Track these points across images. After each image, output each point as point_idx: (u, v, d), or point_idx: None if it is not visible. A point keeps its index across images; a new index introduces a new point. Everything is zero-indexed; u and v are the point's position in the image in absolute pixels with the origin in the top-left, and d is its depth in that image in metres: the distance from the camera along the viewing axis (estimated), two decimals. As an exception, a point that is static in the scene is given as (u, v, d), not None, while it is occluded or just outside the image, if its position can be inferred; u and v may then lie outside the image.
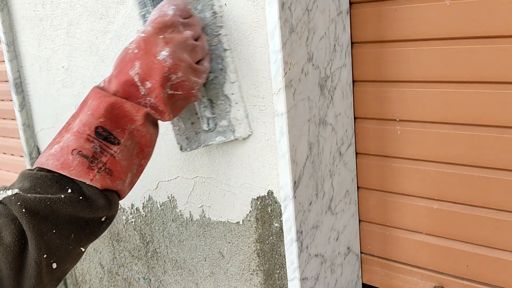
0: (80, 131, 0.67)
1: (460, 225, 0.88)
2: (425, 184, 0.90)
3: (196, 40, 0.77)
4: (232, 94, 0.84)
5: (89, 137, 0.66)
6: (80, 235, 0.66)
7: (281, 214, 0.86)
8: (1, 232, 0.61)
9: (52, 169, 0.65)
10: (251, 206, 0.90)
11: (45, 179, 0.65)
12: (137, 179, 0.75)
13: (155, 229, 1.10)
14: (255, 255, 0.93)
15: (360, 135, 0.96)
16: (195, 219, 1.01)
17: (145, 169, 0.76)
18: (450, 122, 0.85)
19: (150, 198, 1.09)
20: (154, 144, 0.74)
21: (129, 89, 0.70)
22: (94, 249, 1.29)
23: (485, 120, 0.82)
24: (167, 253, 1.09)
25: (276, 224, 0.88)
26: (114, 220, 1.19)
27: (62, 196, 0.64)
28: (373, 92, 0.92)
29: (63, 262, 0.66)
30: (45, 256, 0.62)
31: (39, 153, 1.34)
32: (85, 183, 0.65)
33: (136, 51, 0.71)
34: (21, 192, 0.63)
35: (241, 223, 0.93)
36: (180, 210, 1.03)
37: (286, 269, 0.87)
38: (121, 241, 1.20)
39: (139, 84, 0.70)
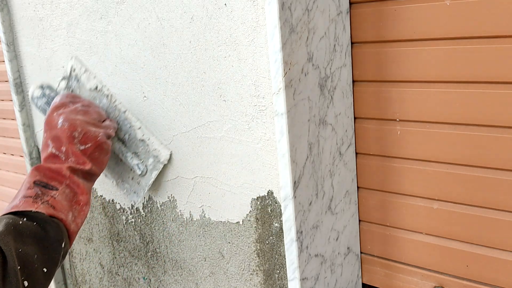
0: (23, 188, 0.87)
1: (460, 225, 0.88)
2: (425, 184, 0.90)
3: (90, 107, 0.98)
4: (143, 135, 1.03)
5: (30, 187, 0.86)
6: (43, 256, 0.81)
7: (281, 214, 0.86)
8: None
9: (8, 212, 0.83)
10: (251, 206, 0.90)
11: (7, 218, 0.82)
12: (81, 221, 0.90)
13: (155, 229, 1.10)
14: (255, 255, 0.93)
15: (360, 135, 0.96)
16: (195, 219, 1.01)
17: None
18: (450, 122, 0.85)
19: (150, 198, 1.09)
20: (89, 192, 0.93)
21: (54, 160, 0.91)
22: (94, 249, 1.29)
23: (485, 120, 0.81)
24: (167, 253, 1.09)
25: (276, 224, 0.88)
26: (114, 220, 1.19)
27: (20, 222, 0.80)
28: (373, 92, 0.92)
29: (33, 280, 0.78)
30: (19, 267, 0.75)
31: (39, 153, 1.34)
32: (32, 211, 0.82)
33: (45, 134, 0.94)
34: None
35: (241, 223, 0.93)
36: (180, 210, 1.03)
37: (286, 269, 0.87)
38: (121, 241, 1.20)
39: (57, 153, 0.91)
